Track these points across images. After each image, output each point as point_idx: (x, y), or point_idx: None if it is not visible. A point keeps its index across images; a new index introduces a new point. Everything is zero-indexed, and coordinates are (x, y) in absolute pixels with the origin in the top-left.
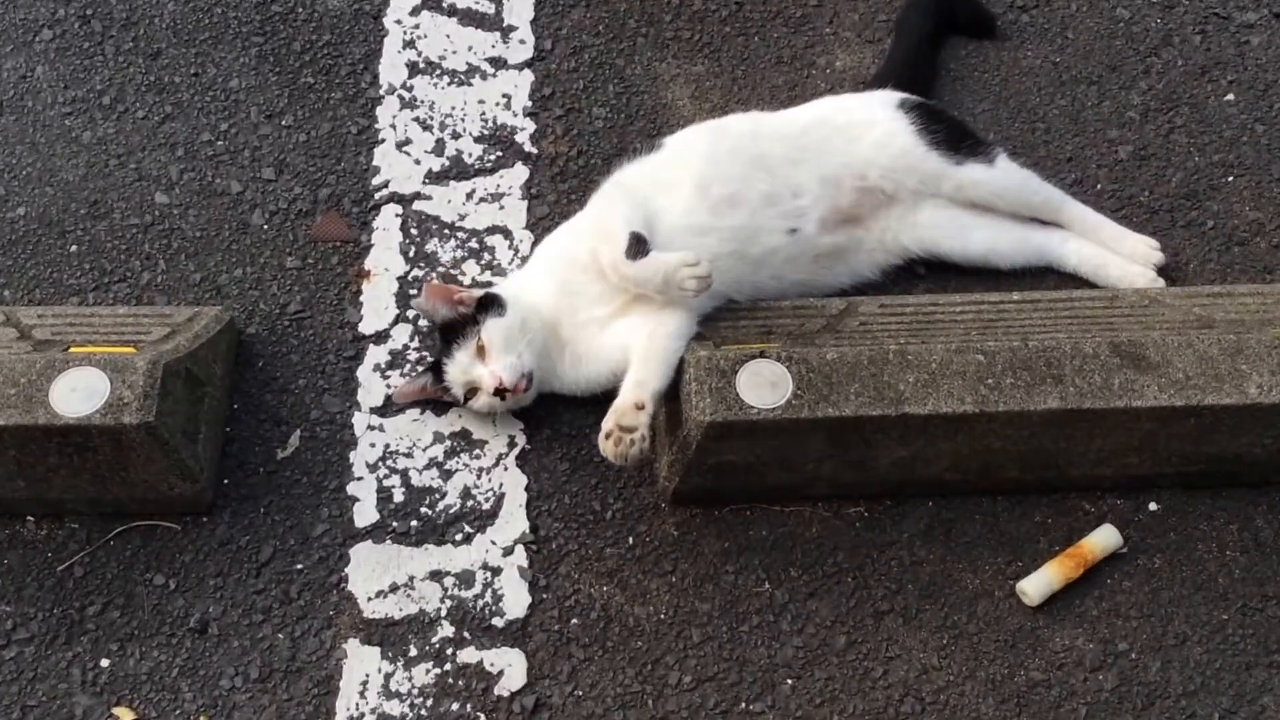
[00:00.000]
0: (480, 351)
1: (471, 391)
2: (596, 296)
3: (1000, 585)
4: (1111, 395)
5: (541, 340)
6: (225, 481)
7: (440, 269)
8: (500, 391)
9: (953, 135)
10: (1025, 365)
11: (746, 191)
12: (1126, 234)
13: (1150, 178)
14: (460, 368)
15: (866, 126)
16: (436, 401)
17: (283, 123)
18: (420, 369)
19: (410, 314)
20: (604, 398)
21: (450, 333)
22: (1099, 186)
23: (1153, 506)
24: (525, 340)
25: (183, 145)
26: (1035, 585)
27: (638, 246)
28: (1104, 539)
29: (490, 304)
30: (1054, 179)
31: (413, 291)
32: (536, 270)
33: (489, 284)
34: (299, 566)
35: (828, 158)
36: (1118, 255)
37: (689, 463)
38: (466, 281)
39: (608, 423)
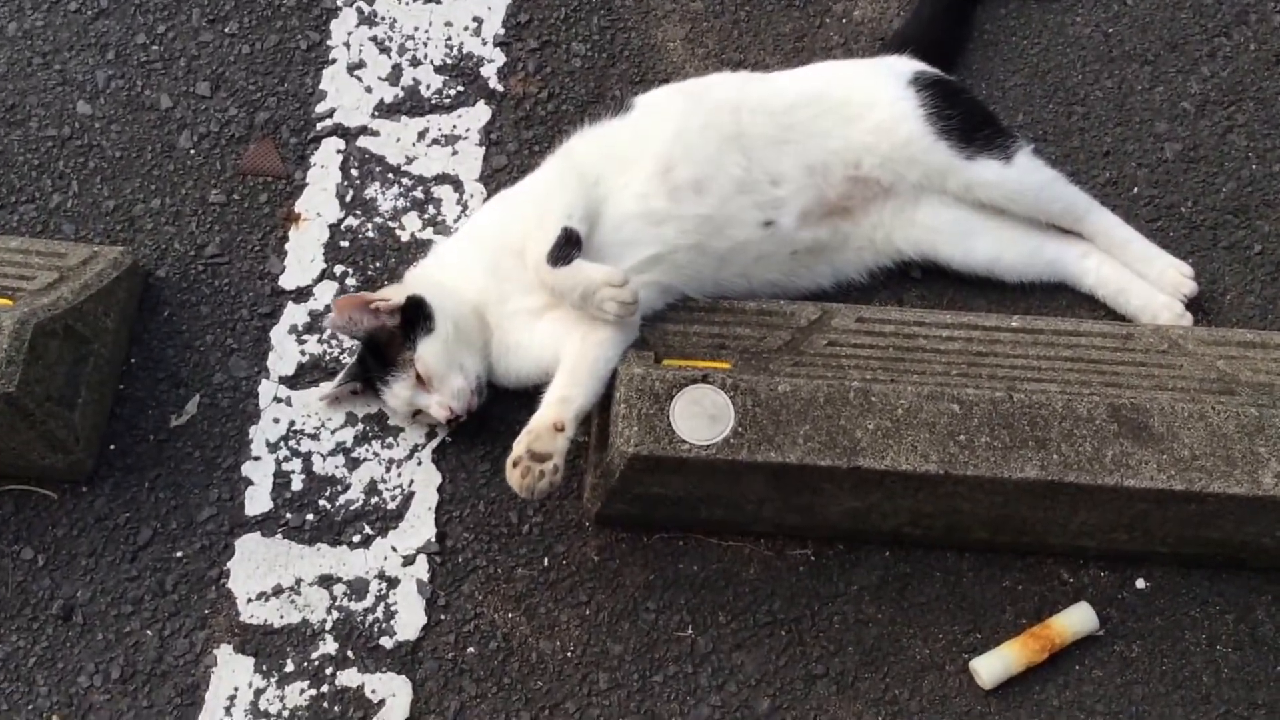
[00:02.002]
0: (419, 380)
1: (418, 413)
2: (528, 285)
3: (953, 659)
4: (1101, 470)
5: (478, 334)
6: (111, 447)
7: (376, 219)
8: (454, 421)
9: (968, 123)
10: (1006, 423)
11: (717, 175)
12: (1157, 255)
13: (1197, 184)
14: (401, 399)
15: (868, 105)
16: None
17: (226, 30)
18: (348, 372)
19: (337, 270)
20: (535, 391)
21: (377, 348)
22: (1135, 190)
23: (1140, 584)
24: (464, 347)
25: (114, 47)
26: (989, 668)
27: (564, 248)
28: (1077, 620)
29: (415, 312)
30: (1084, 177)
31: (343, 244)
32: (465, 245)
33: (419, 242)
34: (178, 554)
35: (817, 140)
36: (1143, 280)
37: (612, 489)
38: (404, 237)
39: (519, 446)
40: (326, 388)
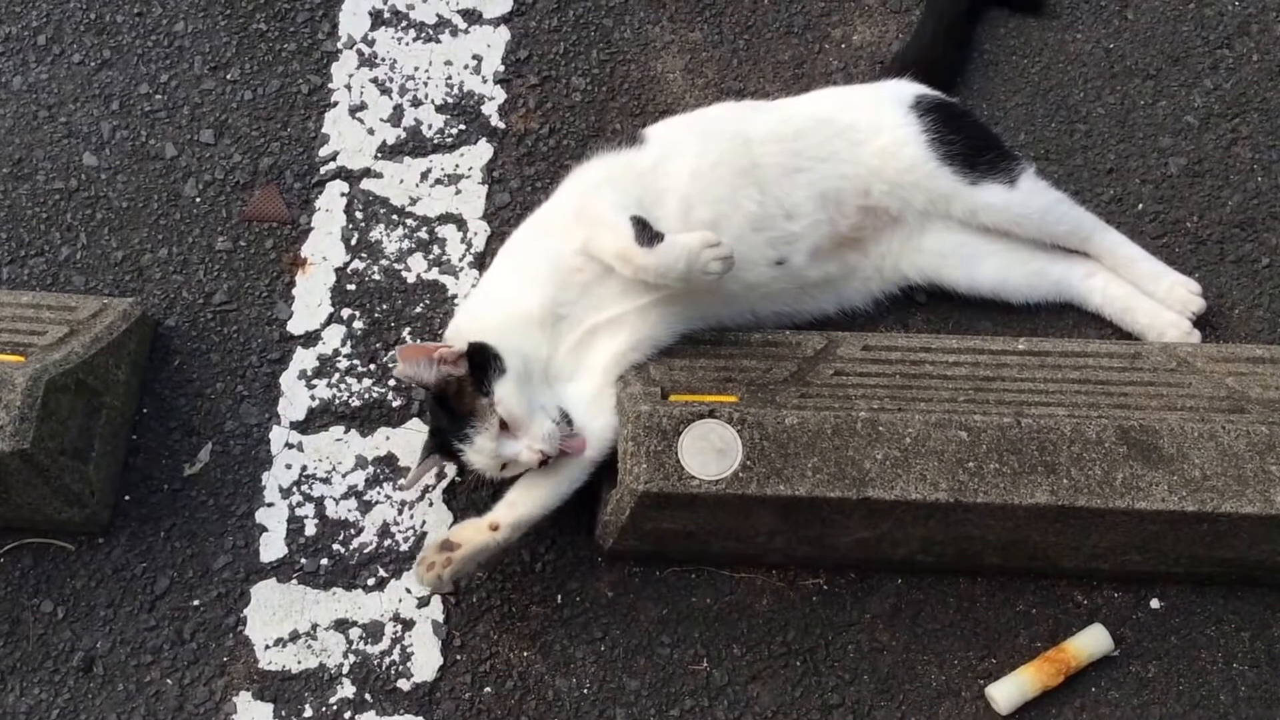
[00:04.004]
0: (503, 426)
1: (505, 465)
2: (574, 320)
3: (969, 685)
4: (1112, 493)
5: (542, 355)
6: (126, 498)
7: (382, 261)
8: (546, 460)
9: (971, 147)
10: (1014, 448)
11: (732, 213)
12: (1164, 272)
13: (1202, 199)
14: (486, 453)
15: (872, 131)
16: (365, 421)
17: (228, 77)
18: (425, 447)
19: (344, 314)
20: None
21: (447, 401)
22: (1140, 206)
23: (1154, 604)
24: (537, 382)
25: (118, 98)
26: (1006, 694)
27: (645, 230)
28: (1092, 642)
29: (482, 359)
30: (1088, 195)
31: (349, 287)
32: (511, 277)
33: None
34: (196, 603)
35: (828, 166)
36: (1150, 298)
37: (623, 527)
38: (410, 278)
39: (444, 534)
40: (409, 477)
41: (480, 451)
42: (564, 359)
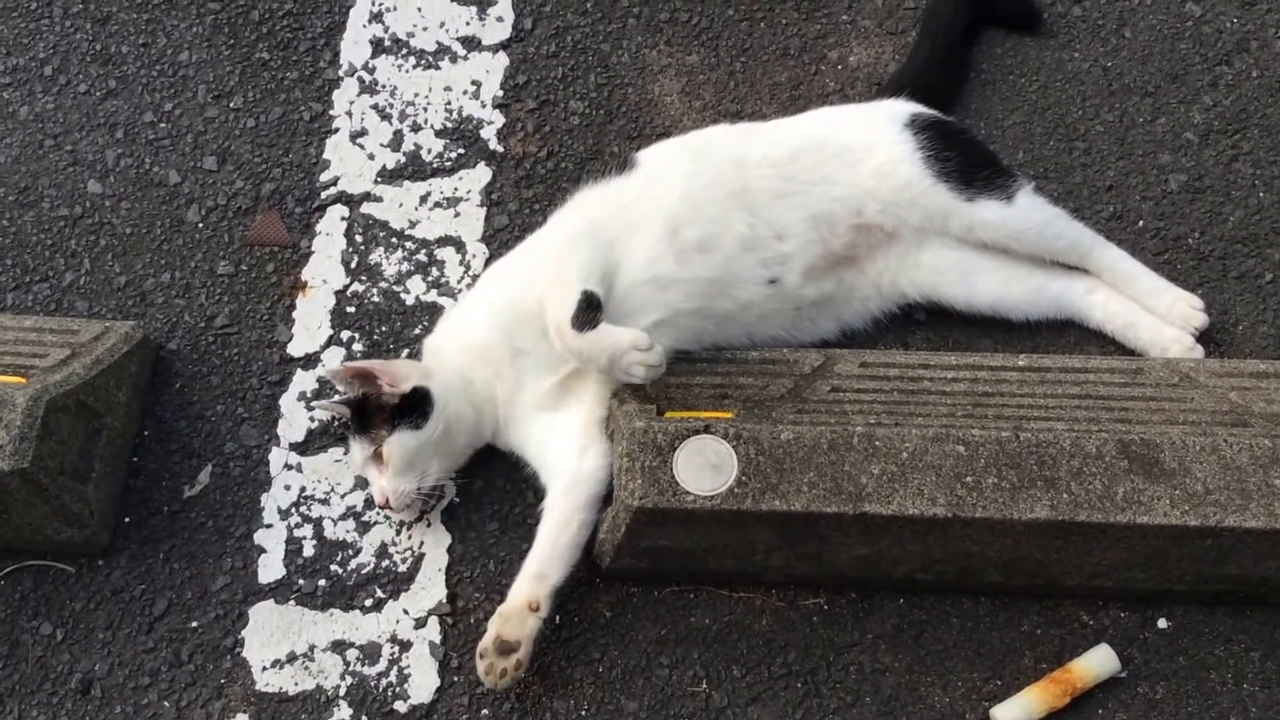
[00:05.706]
0: (378, 457)
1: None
2: (544, 360)
3: (973, 707)
4: (1112, 507)
5: (470, 430)
6: (126, 519)
7: (381, 284)
8: (384, 509)
9: (967, 164)
10: (1013, 463)
11: (723, 234)
12: (1166, 288)
13: (1203, 215)
14: (356, 462)
15: (866, 150)
16: None
17: (231, 105)
18: (345, 400)
19: (344, 336)
20: None
21: (364, 409)
22: (1141, 223)
23: (1162, 623)
24: (441, 452)
25: (123, 126)
26: (1011, 715)
27: (587, 312)
28: (1098, 663)
29: (414, 403)
30: (1088, 212)
31: (349, 310)
32: (477, 318)
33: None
34: (194, 624)
35: (820, 189)
36: (1152, 314)
37: (619, 544)
38: (409, 300)
39: (490, 631)
40: (322, 401)
41: (356, 451)
42: (548, 393)
